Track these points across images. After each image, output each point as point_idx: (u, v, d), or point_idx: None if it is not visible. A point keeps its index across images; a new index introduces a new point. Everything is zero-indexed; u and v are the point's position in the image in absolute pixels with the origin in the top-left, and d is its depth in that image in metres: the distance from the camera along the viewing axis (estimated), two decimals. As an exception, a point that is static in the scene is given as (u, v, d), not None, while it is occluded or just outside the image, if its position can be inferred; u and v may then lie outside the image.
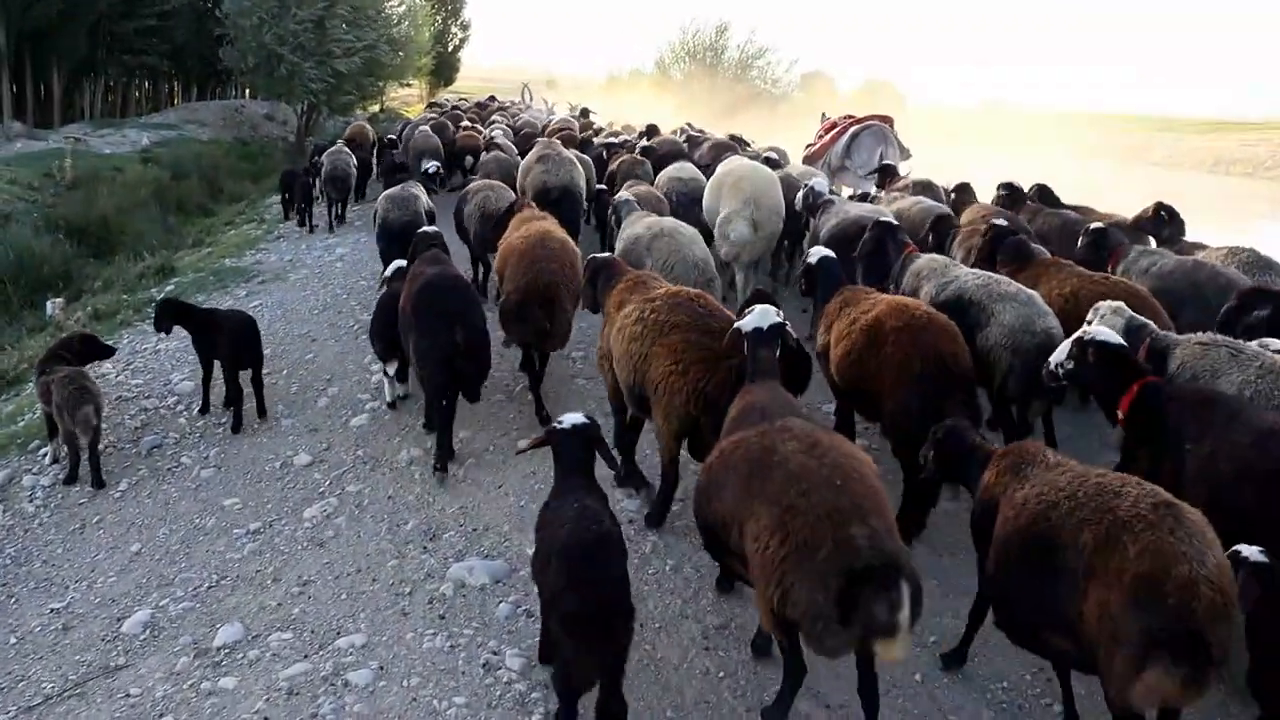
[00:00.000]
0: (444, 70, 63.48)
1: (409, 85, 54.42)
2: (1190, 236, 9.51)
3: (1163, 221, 9.43)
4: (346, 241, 14.16)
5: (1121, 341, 5.35)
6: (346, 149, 16.53)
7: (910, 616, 3.62)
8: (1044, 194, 11.53)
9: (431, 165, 14.15)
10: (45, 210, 19.21)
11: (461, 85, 69.58)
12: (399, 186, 11.36)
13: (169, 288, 12.79)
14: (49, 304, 12.70)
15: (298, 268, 12.98)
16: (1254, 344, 5.60)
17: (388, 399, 8.41)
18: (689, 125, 21.53)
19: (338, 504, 6.81)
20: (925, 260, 7.88)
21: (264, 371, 8.70)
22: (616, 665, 4.09)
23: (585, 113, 27.58)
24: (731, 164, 11.27)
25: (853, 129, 17.07)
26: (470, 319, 7.14)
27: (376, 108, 47.01)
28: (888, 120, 17.25)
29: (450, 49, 64.38)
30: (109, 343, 8.48)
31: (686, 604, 5.54)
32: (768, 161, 12.64)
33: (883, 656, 3.81)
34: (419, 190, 11.44)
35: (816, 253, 7.40)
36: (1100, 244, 8.51)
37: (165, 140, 29.27)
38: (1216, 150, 43.17)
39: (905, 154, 16.93)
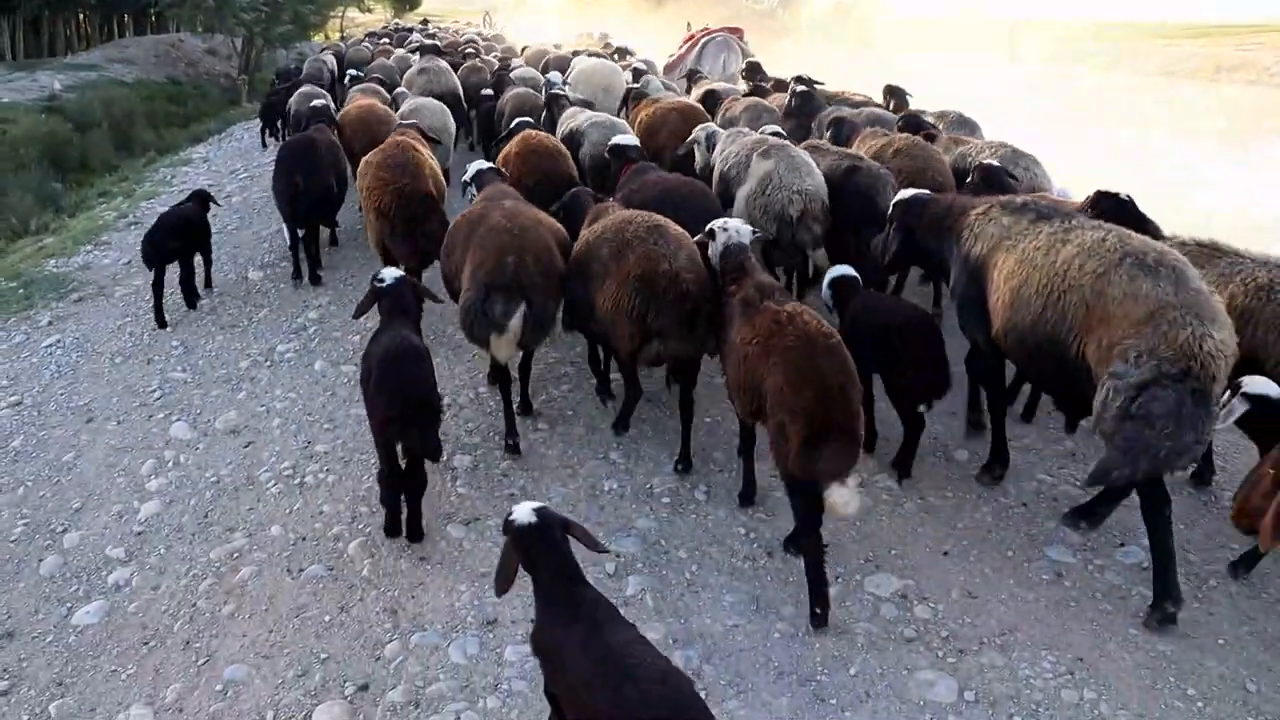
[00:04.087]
0: (409, -8, 58.02)
1: (369, 11, 49.41)
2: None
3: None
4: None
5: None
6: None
7: (525, 328, 5.25)
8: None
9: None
10: (-98, 177, 15.43)
11: (429, 7, 63.95)
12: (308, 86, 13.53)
13: (-32, 302, 9.15)
14: None
15: (132, 275, 9.22)
16: None
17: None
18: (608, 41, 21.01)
19: None
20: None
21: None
22: (424, 442, 4.59)
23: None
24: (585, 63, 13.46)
25: (703, 40, 18.64)
26: (311, 170, 8.28)
27: (337, 35, 42.34)
28: (737, 31, 19.12)
29: (415, -30, 58.81)
30: None
31: None
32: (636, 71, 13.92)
33: (493, 350, 5.35)
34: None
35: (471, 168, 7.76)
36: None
37: (81, 84, 24.92)
38: (1216, 57, 38.79)
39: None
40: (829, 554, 4.26)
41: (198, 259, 8.32)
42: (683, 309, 4.98)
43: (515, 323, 5.17)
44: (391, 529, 4.89)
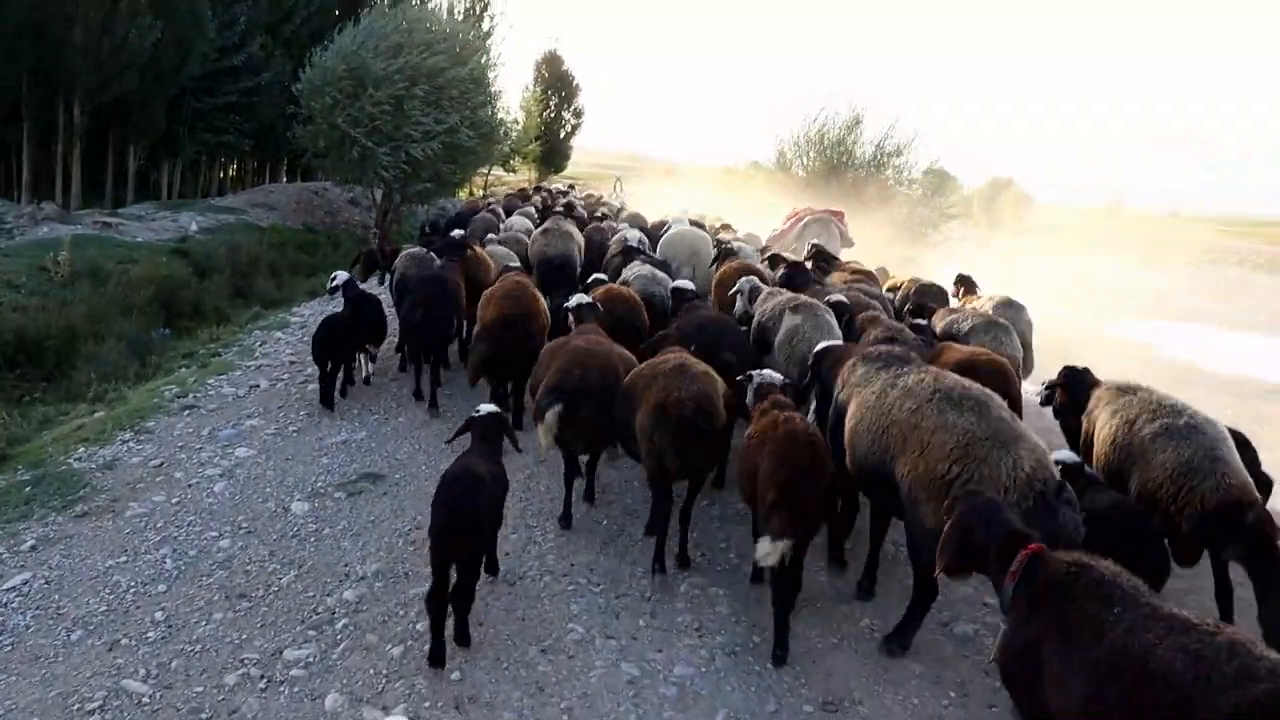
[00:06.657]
0: (554, 157, 58.54)
1: (514, 171, 49.68)
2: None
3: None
4: (261, 435, 8.37)
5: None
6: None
7: (560, 424, 6.21)
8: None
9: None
10: (8, 315, 14.25)
11: (574, 171, 64.67)
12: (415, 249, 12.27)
13: (-31, 499, 7.26)
14: None
15: (157, 484, 7.22)
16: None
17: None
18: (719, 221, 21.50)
19: None
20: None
21: None
22: (470, 560, 4.96)
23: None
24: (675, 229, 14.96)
25: (805, 219, 19.10)
26: (441, 302, 9.20)
27: (480, 193, 42.37)
28: (837, 214, 19.66)
29: (562, 135, 59.55)
30: None
31: None
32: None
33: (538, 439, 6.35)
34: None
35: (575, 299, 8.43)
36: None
37: (218, 226, 24.38)
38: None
39: (848, 242, 18.76)
40: None
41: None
42: (680, 429, 5.78)
43: (550, 418, 6.18)
44: (436, 658, 4.92)
